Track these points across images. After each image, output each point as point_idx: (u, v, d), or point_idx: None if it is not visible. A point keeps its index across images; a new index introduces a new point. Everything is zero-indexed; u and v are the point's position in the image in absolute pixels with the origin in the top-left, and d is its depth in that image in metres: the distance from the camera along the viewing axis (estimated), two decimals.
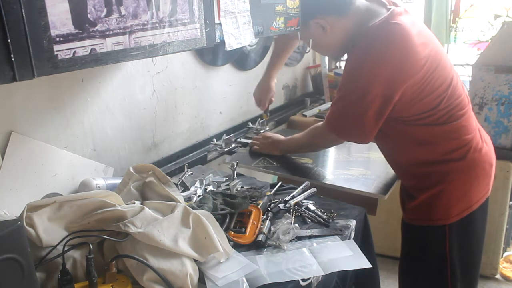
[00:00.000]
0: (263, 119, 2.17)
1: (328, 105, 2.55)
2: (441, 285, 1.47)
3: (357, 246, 1.23)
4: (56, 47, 1.01)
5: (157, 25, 1.25)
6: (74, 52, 1.05)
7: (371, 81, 1.30)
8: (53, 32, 1.00)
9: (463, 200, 1.40)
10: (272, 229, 1.27)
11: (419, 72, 1.28)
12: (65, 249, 0.97)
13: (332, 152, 1.98)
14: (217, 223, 1.15)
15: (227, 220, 1.27)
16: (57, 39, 1.01)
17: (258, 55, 2.25)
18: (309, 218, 1.36)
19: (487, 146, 1.45)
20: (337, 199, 1.50)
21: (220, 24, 1.59)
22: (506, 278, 2.38)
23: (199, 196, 1.40)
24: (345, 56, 1.53)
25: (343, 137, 1.51)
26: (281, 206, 1.41)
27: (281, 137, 1.85)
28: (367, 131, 1.40)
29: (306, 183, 1.55)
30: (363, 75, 1.32)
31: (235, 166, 1.63)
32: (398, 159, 1.51)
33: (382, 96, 1.30)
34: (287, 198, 1.45)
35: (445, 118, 1.35)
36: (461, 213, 1.40)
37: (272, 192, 1.49)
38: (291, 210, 1.39)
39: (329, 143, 1.67)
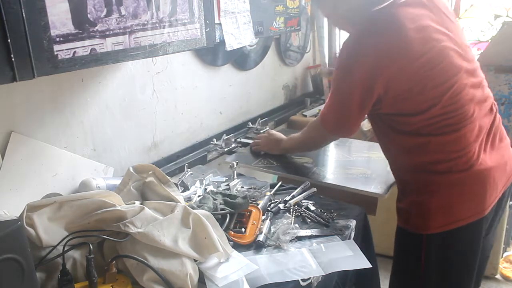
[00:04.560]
0: (264, 119, 2.18)
1: None
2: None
3: (357, 246, 1.23)
4: (56, 47, 1.01)
5: (157, 25, 1.25)
6: (74, 52, 1.05)
7: (354, 69, 1.28)
8: (53, 32, 1.00)
9: (445, 214, 1.33)
10: (272, 229, 1.27)
11: (408, 65, 1.23)
12: (65, 249, 0.97)
13: (332, 152, 1.98)
14: (217, 223, 1.15)
15: (227, 220, 1.27)
16: (57, 39, 1.01)
17: (258, 55, 2.25)
18: (309, 218, 1.36)
19: (487, 163, 1.31)
20: (337, 199, 1.50)
21: (220, 24, 1.59)
22: (506, 278, 2.38)
23: (199, 196, 1.40)
24: None
25: (330, 130, 1.49)
26: (281, 206, 1.41)
27: (283, 136, 1.83)
28: (351, 123, 1.39)
29: (306, 183, 1.55)
30: (347, 64, 1.31)
31: (235, 166, 1.63)
32: (389, 161, 1.50)
33: (363, 85, 1.28)
34: (287, 198, 1.45)
35: (433, 129, 1.28)
36: (442, 227, 1.33)
37: (272, 192, 1.49)
38: (291, 210, 1.39)
39: (324, 139, 1.62)
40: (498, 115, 1.42)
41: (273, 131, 1.91)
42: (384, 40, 1.25)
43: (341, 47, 1.39)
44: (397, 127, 1.35)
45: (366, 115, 1.41)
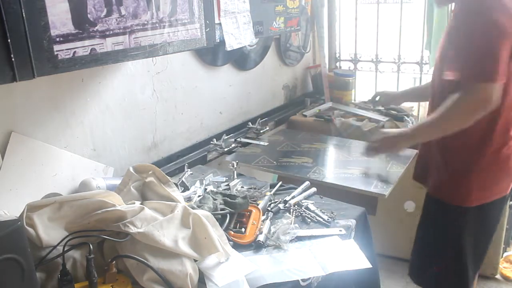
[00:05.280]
0: (264, 119, 2.18)
1: (328, 105, 2.54)
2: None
3: (357, 246, 1.23)
4: (56, 47, 1.01)
5: (157, 25, 1.25)
6: (74, 52, 1.05)
7: (495, 9, 1.32)
8: (53, 32, 1.00)
9: (487, 189, 1.49)
10: (272, 229, 1.27)
11: None
12: (65, 249, 0.97)
13: (331, 152, 1.98)
14: (217, 223, 1.15)
15: (227, 220, 1.27)
16: (57, 39, 1.01)
17: (258, 55, 2.25)
18: (309, 218, 1.36)
19: None
20: (337, 198, 1.50)
21: (220, 24, 1.59)
22: (506, 278, 2.38)
23: (199, 196, 1.40)
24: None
25: (477, 78, 1.35)
26: (281, 206, 1.41)
27: (396, 129, 1.71)
28: (501, 65, 1.33)
29: (306, 183, 1.55)
30: (485, 7, 1.33)
31: (235, 166, 1.63)
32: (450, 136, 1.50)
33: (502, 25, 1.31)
34: (287, 198, 1.45)
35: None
36: (481, 200, 1.50)
37: (272, 192, 1.49)
38: (291, 210, 1.39)
39: (473, 105, 1.37)
40: None
41: (384, 129, 1.78)
42: None
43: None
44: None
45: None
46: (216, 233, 1.10)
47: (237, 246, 1.19)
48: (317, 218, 1.35)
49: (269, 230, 1.27)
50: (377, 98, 2.11)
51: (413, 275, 1.74)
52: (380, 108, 2.35)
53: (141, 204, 1.12)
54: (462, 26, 1.39)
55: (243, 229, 1.26)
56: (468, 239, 1.55)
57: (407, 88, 2.25)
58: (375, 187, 1.57)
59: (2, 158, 1.23)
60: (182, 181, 1.53)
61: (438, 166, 1.57)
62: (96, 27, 1.09)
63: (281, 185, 1.57)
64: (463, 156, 1.50)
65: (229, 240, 1.17)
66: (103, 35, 1.11)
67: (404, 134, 1.57)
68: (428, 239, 1.66)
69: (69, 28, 1.03)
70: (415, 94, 2.09)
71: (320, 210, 1.40)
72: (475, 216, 1.52)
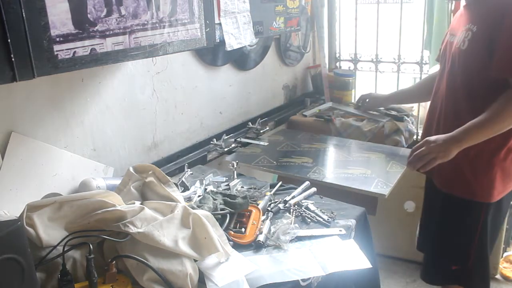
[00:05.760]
0: (264, 119, 2.18)
1: (328, 105, 2.54)
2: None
3: (357, 246, 1.23)
4: (56, 47, 1.01)
5: (157, 25, 1.25)
6: (74, 52, 1.05)
7: None
8: (53, 32, 1.00)
9: (505, 183, 1.53)
10: (272, 229, 1.27)
11: None
12: (65, 249, 0.98)
13: (331, 152, 1.98)
14: (217, 223, 1.15)
15: (227, 220, 1.27)
16: (57, 39, 1.01)
17: (258, 55, 2.25)
18: (309, 218, 1.36)
19: None
20: (337, 198, 1.50)
21: (220, 24, 1.59)
22: (506, 278, 2.38)
23: (199, 196, 1.40)
24: None
25: None
26: (281, 206, 1.41)
27: (442, 136, 1.51)
28: None
29: (306, 183, 1.55)
30: None
31: (235, 166, 1.63)
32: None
33: None
34: (287, 198, 1.45)
35: None
36: (500, 194, 1.54)
37: (272, 192, 1.49)
38: (291, 210, 1.39)
39: None
40: None
41: (430, 138, 1.54)
42: None
43: None
44: None
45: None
46: (216, 233, 1.11)
47: (237, 246, 1.19)
48: (317, 218, 1.35)
49: (269, 230, 1.27)
50: (362, 102, 2.10)
51: (428, 276, 1.74)
52: (371, 112, 2.31)
53: (141, 204, 1.12)
54: (506, 25, 1.38)
55: (243, 229, 1.26)
56: (489, 234, 1.59)
57: (393, 91, 2.25)
58: (375, 187, 1.57)
59: (2, 158, 1.23)
60: (182, 181, 1.53)
61: (457, 163, 1.50)
62: (96, 27, 1.09)
63: (281, 185, 1.57)
64: (486, 151, 1.50)
65: (229, 240, 1.17)
66: (103, 35, 1.11)
67: (455, 139, 1.46)
68: (446, 238, 1.66)
69: (69, 28, 1.03)
70: (402, 96, 2.11)
71: (320, 210, 1.40)
72: (495, 210, 1.57)
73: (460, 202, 1.58)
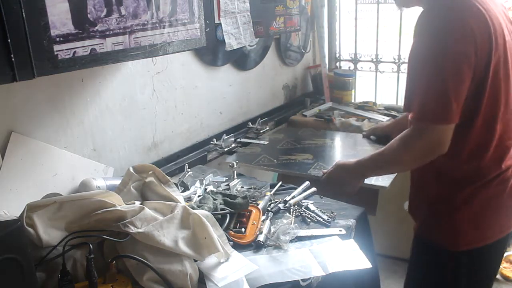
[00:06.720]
0: (264, 119, 2.18)
1: (328, 105, 2.55)
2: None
3: (357, 246, 1.23)
4: (56, 47, 1.01)
5: (157, 25, 1.26)
6: (74, 52, 1.05)
7: (445, 40, 1.14)
8: (53, 32, 1.00)
9: (476, 230, 1.29)
10: (272, 229, 1.27)
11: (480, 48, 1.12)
12: (65, 249, 0.97)
13: (332, 147, 1.98)
14: (217, 223, 1.15)
15: (227, 220, 1.27)
16: (57, 39, 1.01)
17: (258, 55, 2.25)
18: (309, 218, 1.36)
19: None
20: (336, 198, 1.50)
21: (220, 24, 1.59)
22: (506, 278, 2.38)
23: (199, 196, 1.40)
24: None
25: (433, 120, 1.19)
26: (281, 206, 1.41)
27: (347, 160, 1.49)
28: (453, 105, 1.15)
29: (306, 183, 1.55)
30: (435, 40, 1.15)
31: (235, 166, 1.63)
32: (422, 170, 1.35)
33: (458, 53, 1.13)
34: (287, 198, 1.45)
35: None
36: (471, 244, 1.30)
37: (272, 192, 1.49)
38: (291, 210, 1.39)
39: (425, 146, 1.22)
40: None
41: (339, 162, 1.52)
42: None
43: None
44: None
45: None
46: (216, 233, 1.10)
47: (237, 246, 1.19)
48: (317, 218, 1.35)
49: (269, 230, 1.27)
50: (372, 137, 2.03)
51: None
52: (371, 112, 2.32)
53: (141, 204, 1.12)
54: (418, 48, 1.21)
55: (243, 229, 1.26)
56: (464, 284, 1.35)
57: (392, 120, 2.15)
58: (376, 180, 1.57)
59: (2, 158, 1.23)
60: (182, 181, 1.53)
61: (419, 201, 1.40)
62: (96, 27, 1.09)
63: (281, 185, 1.57)
64: (445, 190, 1.30)
65: (229, 240, 1.17)
66: (103, 35, 1.11)
67: (349, 167, 1.43)
68: (419, 283, 1.48)
69: (69, 28, 1.03)
70: (402, 124, 1.77)
71: (320, 210, 1.40)
72: (468, 261, 1.31)
73: (428, 246, 1.38)
